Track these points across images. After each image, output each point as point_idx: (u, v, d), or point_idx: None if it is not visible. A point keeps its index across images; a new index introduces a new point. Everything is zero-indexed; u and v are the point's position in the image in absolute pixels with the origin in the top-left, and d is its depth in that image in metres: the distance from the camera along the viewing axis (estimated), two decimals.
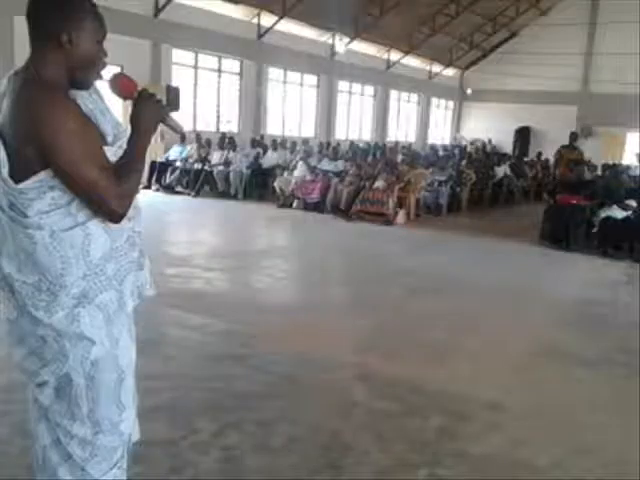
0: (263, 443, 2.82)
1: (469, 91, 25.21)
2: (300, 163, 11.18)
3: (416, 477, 2.64)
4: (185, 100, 13.20)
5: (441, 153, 16.85)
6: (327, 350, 4.03)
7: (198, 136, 12.56)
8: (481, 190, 12.53)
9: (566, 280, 6.86)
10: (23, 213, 1.57)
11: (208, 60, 14.94)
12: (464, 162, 13.18)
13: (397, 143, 18.85)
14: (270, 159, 12.44)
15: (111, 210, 1.60)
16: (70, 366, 1.66)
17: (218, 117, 15.55)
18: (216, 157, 12.07)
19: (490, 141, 23.66)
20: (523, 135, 23.99)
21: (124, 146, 1.68)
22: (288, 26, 15.95)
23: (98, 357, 1.68)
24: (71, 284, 1.61)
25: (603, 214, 8.18)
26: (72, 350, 1.65)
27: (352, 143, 17.38)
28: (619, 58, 20.20)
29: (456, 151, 17.95)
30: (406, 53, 20.89)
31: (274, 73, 16.87)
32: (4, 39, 9.70)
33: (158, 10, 12.84)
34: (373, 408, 3.27)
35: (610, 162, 15.38)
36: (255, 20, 15.36)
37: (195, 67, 14.67)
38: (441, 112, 26.17)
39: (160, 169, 12.04)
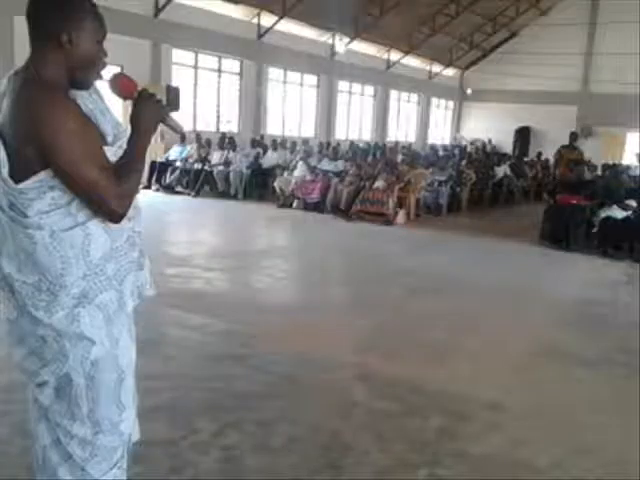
0: (263, 443, 2.82)
1: (469, 91, 25.21)
2: (300, 163, 11.18)
3: (416, 477, 2.64)
4: (185, 100, 13.21)
5: (441, 153, 16.84)
6: (327, 350, 4.03)
7: (198, 136, 12.56)
8: (481, 190, 12.53)
9: (566, 280, 6.86)
10: (23, 213, 1.58)
11: (208, 60, 14.94)
12: (464, 162, 13.18)
13: (397, 143, 18.84)
14: (270, 159, 12.44)
15: (111, 210, 1.60)
16: (70, 366, 1.66)
17: (218, 117, 15.56)
18: (216, 157, 12.07)
19: (490, 141, 23.66)
20: (523, 135, 23.99)
21: (124, 146, 1.68)
22: (288, 26, 15.95)
23: (98, 357, 1.68)
24: (71, 284, 1.61)
25: (603, 214, 8.18)
26: (72, 350, 1.65)
27: (352, 143, 17.38)
28: (619, 58, 20.21)
29: (456, 151, 17.94)
30: (406, 53, 20.89)
31: (274, 73, 16.87)
32: (4, 39, 9.70)
33: (158, 10, 12.84)
34: (373, 408, 3.27)
35: (610, 162, 15.37)
36: (255, 20, 15.36)
37: (195, 67, 14.67)
38: (441, 112, 26.18)
39: (160, 169, 12.04)
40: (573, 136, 11.64)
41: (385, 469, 2.68)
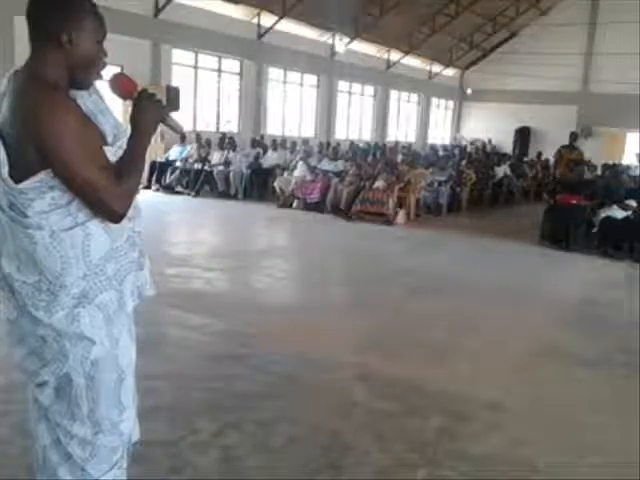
0: (263, 443, 2.82)
1: (469, 91, 25.21)
2: (300, 163, 11.19)
3: (416, 477, 2.64)
4: (185, 100, 13.21)
5: (441, 153, 16.85)
6: (327, 350, 4.03)
7: (198, 136, 12.56)
8: (481, 190, 12.53)
9: (566, 280, 6.86)
10: (23, 213, 1.57)
11: (208, 60, 14.95)
12: (464, 162, 13.18)
13: (397, 143, 18.85)
14: (270, 159, 12.44)
15: (111, 210, 1.60)
16: (70, 366, 1.66)
17: (218, 117, 15.56)
18: (216, 157, 12.07)
19: (490, 141, 23.65)
20: (523, 135, 23.98)
21: (124, 146, 1.68)
22: (288, 26, 15.95)
23: (98, 357, 1.68)
24: (71, 284, 1.61)
25: (603, 214, 8.18)
26: (72, 350, 1.65)
27: (352, 143, 17.37)
28: (619, 58, 20.20)
29: (456, 151, 17.95)
30: (406, 53, 20.89)
31: (274, 73, 16.87)
32: (4, 39, 9.69)
33: (158, 10, 12.84)
34: (373, 408, 3.26)
35: (610, 162, 15.38)
36: (255, 20, 15.36)
37: (195, 67, 14.67)
38: (441, 112, 26.17)
39: (160, 169, 12.05)
40: (573, 136, 11.64)
41: (385, 469, 2.68)
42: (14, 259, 1.63)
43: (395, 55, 20.88)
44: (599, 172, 12.46)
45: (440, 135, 25.79)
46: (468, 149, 20.25)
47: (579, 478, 2.72)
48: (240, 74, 15.81)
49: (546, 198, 9.55)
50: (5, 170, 1.55)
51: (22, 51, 1.70)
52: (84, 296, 1.64)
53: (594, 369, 4.06)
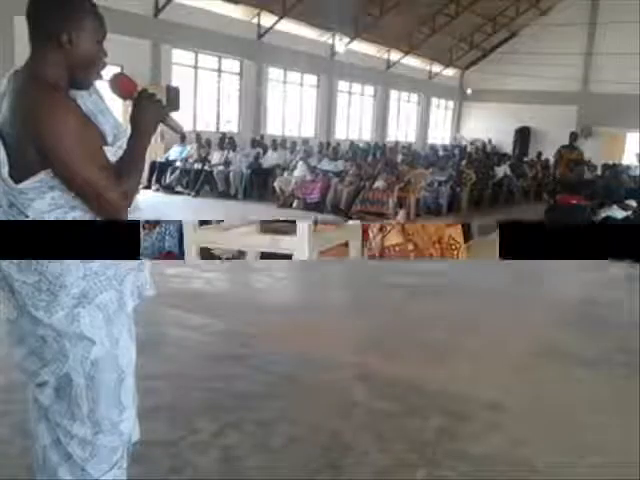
0: (263, 443, 2.81)
1: (469, 91, 25.21)
2: (300, 163, 11.19)
3: (416, 477, 2.64)
4: (185, 100, 13.21)
5: (441, 153, 16.87)
6: (327, 350, 4.03)
7: (198, 136, 12.57)
8: (481, 190, 12.53)
9: (566, 280, 6.85)
10: (23, 213, 1.58)
11: (208, 60, 14.95)
12: (464, 162, 13.19)
13: (397, 143, 18.85)
14: (270, 159, 12.44)
15: (111, 210, 1.60)
16: (70, 366, 1.66)
17: (218, 117, 15.56)
18: (216, 157, 12.08)
19: (490, 141, 23.64)
20: (523, 135, 23.98)
21: (124, 146, 1.68)
22: (288, 26, 15.96)
23: (98, 357, 1.69)
24: (71, 284, 1.61)
25: (603, 214, 8.18)
26: (72, 350, 1.65)
27: (352, 143, 17.37)
28: (619, 58, 20.20)
29: (456, 151, 17.96)
30: (406, 53, 20.89)
31: (274, 73, 16.87)
32: (4, 39, 9.70)
33: (158, 10, 12.85)
34: (373, 408, 3.26)
35: (610, 162, 15.38)
36: (255, 20, 15.37)
37: (195, 67, 14.67)
38: (441, 112, 26.17)
39: (160, 169, 12.05)
40: (573, 136, 11.64)
41: (385, 469, 2.68)
42: None
43: (395, 55, 20.88)
44: (599, 172, 12.46)
45: (440, 135, 25.78)
46: (468, 149, 20.24)
47: (579, 478, 2.72)
48: (240, 74, 15.81)
49: (546, 198, 9.56)
50: (5, 170, 1.55)
51: (22, 51, 1.70)
52: (84, 296, 1.64)
53: (594, 369, 4.05)
